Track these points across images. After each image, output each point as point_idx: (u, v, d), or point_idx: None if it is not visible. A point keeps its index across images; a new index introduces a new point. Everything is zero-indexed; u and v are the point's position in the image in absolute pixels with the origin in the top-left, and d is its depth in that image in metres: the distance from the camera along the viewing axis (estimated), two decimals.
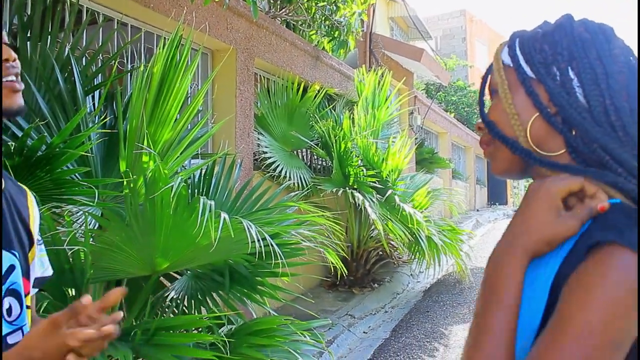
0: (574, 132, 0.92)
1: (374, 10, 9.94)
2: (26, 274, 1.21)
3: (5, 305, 1.13)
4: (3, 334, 1.12)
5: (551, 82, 0.93)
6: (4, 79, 1.09)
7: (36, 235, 1.30)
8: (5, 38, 1.14)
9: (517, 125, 0.96)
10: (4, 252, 1.13)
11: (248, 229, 2.26)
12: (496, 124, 0.99)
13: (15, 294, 1.16)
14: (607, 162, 0.88)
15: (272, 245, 2.39)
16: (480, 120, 1.05)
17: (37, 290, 1.32)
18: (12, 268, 1.15)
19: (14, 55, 1.12)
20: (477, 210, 20.96)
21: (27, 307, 1.19)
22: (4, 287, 1.13)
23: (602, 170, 0.90)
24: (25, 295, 1.19)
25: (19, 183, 1.31)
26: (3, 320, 1.12)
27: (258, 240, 2.37)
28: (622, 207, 0.86)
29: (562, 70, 0.93)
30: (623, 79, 0.91)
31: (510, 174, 1.02)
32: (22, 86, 1.13)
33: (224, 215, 2.26)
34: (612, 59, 0.92)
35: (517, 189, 41.92)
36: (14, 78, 1.11)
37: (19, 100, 1.12)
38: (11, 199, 1.21)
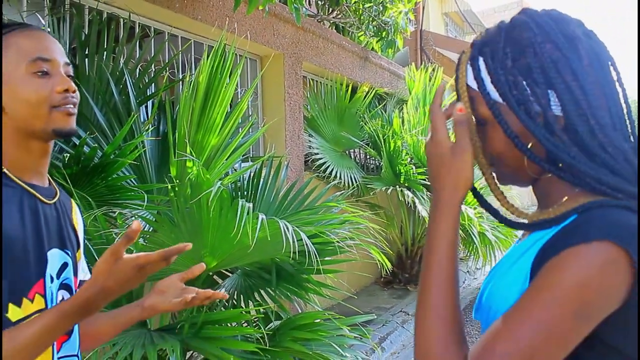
0: (560, 165, 0.96)
1: (423, 8, 9.93)
2: (75, 271, 1.38)
3: (59, 298, 1.30)
4: None
5: (531, 124, 0.95)
6: (61, 108, 1.26)
7: (81, 237, 1.48)
8: (70, 70, 1.31)
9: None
10: (59, 251, 1.31)
11: (284, 229, 2.39)
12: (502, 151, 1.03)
13: (68, 288, 1.34)
14: (605, 191, 0.91)
15: (308, 245, 2.50)
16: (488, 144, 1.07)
17: None
18: (65, 265, 1.33)
19: (74, 87, 1.29)
20: None
21: None
22: (58, 282, 1.30)
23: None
24: (74, 290, 1.37)
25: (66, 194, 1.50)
26: None
27: (300, 240, 2.50)
28: (607, 212, 0.90)
29: (544, 106, 0.95)
30: (599, 87, 0.95)
31: (520, 184, 1.07)
32: (76, 111, 1.29)
33: (262, 216, 2.40)
34: (584, 70, 0.94)
35: None
36: (71, 106, 1.28)
37: (72, 123, 1.28)
38: (63, 205, 1.38)
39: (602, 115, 0.93)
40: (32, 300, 1.20)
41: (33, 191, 1.26)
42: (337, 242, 2.92)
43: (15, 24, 1.30)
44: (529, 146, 0.97)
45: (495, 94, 0.98)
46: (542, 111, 0.94)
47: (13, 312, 1.17)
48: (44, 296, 1.23)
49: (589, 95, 0.93)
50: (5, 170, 1.23)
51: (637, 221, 0.87)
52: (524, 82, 0.95)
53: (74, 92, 1.28)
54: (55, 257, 1.29)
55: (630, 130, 0.96)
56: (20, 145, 1.26)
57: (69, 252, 1.35)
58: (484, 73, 0.99)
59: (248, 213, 2.37)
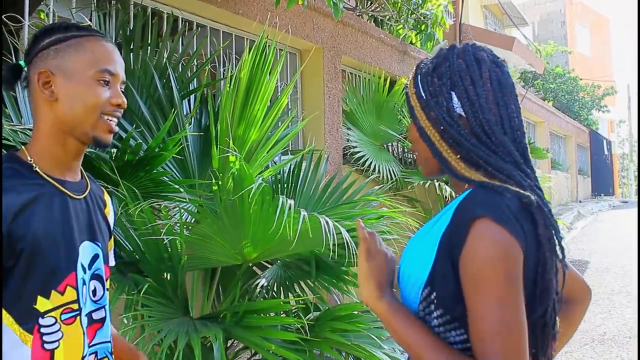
0: (458, 144, 1.22)
1: (463, 1, 9.84)
2: (106, 260, 1.47)
3: (92, 288, 1.39)
4: (89, 311, 1.38)
5: (438, 110, 1.24)
6: (108, 119, 1.36)
7: (112, 229, 1.58)
8: (123, 87, 1.41)
9: (432, 135, 1.26)
10: (90, 243, 1.40)
11: (325, 225, 2.43)
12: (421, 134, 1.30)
13: (99, 278, 1.43)
14: (481, 163, 1.19)
15: (346, 239, 2.53)
16: (408, 134, 1.39)
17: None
18: (96, 257, 1.42)
19: (126, 104, 1.39)
20: (580, 202, 20.16)
21: (107, 289, 1.46)
22: (91, 272, 1.39)
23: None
24: (106, 280, 1.46)
25: (97, 183, 1.59)
26: (90, 300, 1.38)
27: (339, 233, 2.53)
28: (483, 190, 1.16)
29: (447, 99, 1.24)
30: (492, 95, 1.23)
31: (434, 175, 1.34)
32: (116, 129, 1.40)
33: (303, 212, 2.43)
34: (482, 81, 1.23)
35: (626, 178, 39.78)
36: (115, 122, 1.39)
37: (110, 138, 1.39)
38: (94, 196, 1.47)
39: (490, 118, 1.21)
40: (62, 293, 1.29)
41: (63, 188, 1.34)
42: (385, 233, 2.94)
43: (95, 32, 1.41)
44: (437, 131, 1.25)
45: (422, 91, 1.28)
46: (446, 105, 1.23)
47: (41, 304, 1.25)
48: (76, 288, 1.32)
49: (481, 99, 1.22)
50: (35, 167, 1.31)
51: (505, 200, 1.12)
52: (437, 83, 1.26)
53: (123, 108, 1.39)
54: (86, 249, 1.38)
55: (520, 139, 1.23)
56: (58, 141, 1.34)
57: (100, 244, 1.43)
58: (418, 77, 1.31)
59: (289, 209, 2.41)
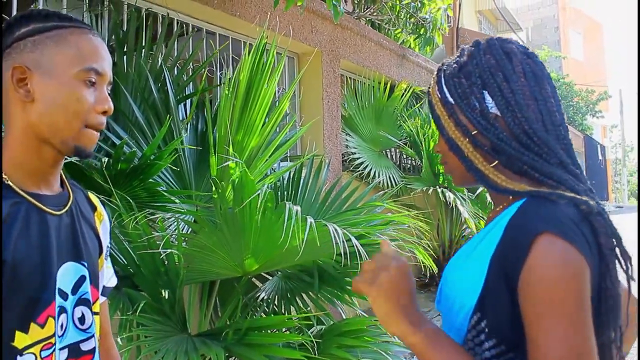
0: (498, 151, 1.10)
1: (460, 5, 9.76)
2: (94, 282, 1.25)
3: (78, 314, 1.19)
4: (73, 342, 1.18)
5: (471, 113, 1.12)
6: (94, 130, 1.17)
7: (105, 242, 1.35)
8: (110, 88, 1.22)
9: (464, 146, 1.14)
10: (74, 264, 1.19)
11: (334, 232, 2.29)
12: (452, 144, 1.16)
13: (86, 303, 1.22)
14: (525, 170, 1.07)
15: (357, 247, 2.39)
16: (435, 145, 1.25)
17: (104, 298, 1.38)
18: (82, 279, 1.21)
19: (112, 109, 1.19)
20: None
21: (95, 313, 1.25)
22: (76, 297, 1.19)
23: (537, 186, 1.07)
24: (93, 303, 1.24)
25: (90, 193, 1.38)
26: (76, 329, 1.19)
27: (344, 242, 2.39)
28: (536, 202, 1.02)
29: (479, 99, 1.12)
30: (528, 90, 1.11)
31: (468, 184, 1.21)
32: (97, 137, 1.20)
33: (310, 220, 2.29)
34: (515, 75, 1.11)
35: (619, 183, 39.87)
36: (99, 132, 1.19)
37: (93, 146, 1.19)
38: (79, 209, 1.26)
39: (529, 115, 1.09)
40: (42, 325, 1.10)
41: (40, 205, 1.13)
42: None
43: (81, 23, 1.21)
44: (469, 139, 1.12)
45: (448, 96, 1.16)
46: (479, 106, 1.11)
47: (19, 339, 1.06)
48: (55, 318, 1.12)
49: (517, 95, 1.09)
50: (7, 180, 1.10)
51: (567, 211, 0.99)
52: (466, 83, 1.14)
53: (109, 115, 1.19)
54: (69, 272, 1.18)
55: (563, 135, 1.11)
56: (31, 148, 1.14)
57: (86, 263, 1.22)
58: (442, 81, 1.19)
59: (295, 216, 2.27)
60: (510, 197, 1.09)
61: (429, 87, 1.23)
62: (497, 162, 1.10)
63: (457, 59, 1.19)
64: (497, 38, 1.19)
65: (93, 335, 1.24)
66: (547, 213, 0.98)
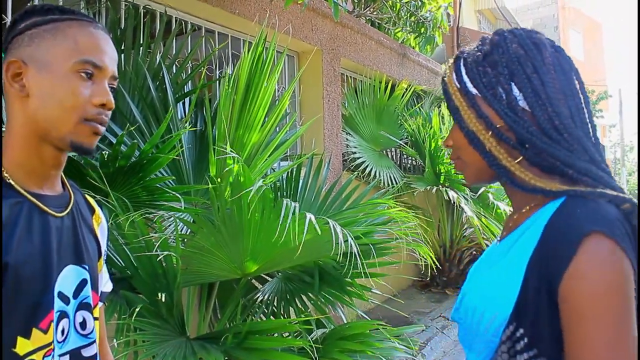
0: (527, 145, 1.03)
1: (460, 4, 9.71)
2: (95, 286, 1.22)
3: (79, 319, 1.15)
4: (78, 346, 1.15)
5: (497, 104, 1.04)
6: (92, 124, 1.11)
7: (104, 246, 1.31)
8: (115, 83, 1.17)
9: (486, 140, 1.06)
10: (75, 268, 1.15)
11: (334, 228, 2.23)
12: (471, 137, 1.09)
13: (87, 307, 1.18)
14: (558, 166, 1.00)
15: (358, 246, 2.34)
16: (446, 139, 1.16)
17: (102, 303, 1.33)
18: (84, 282, 1.17)
19: (113, 104, 1.14)
20: None
21: (96, 319, 1.21)
22: (77, 301, 1.15)
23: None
24: (94, 308, 1.21)
25: (87, 196, 1.33)
26: (78, 334, 1.15)
27: (346, 241, 2.34)
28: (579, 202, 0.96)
29: (507, 90, 1.04)
30: (558, 83, 1.04)
31: (482, 182, 1.15)
32: (103, 131, 1.14)
33: (309, 216, 2.24)
34: (546, 67, 1.04)
35: (618, 183, 39.87)
36: (100, 125, 1.13)
37: (94, 143, 1.14)
38: (79, 211, 1.22)
39: (560, 110, 1.02)
40: (45, 331, 1.06)
41: (43, 206, 1.09)
42: (391, 240, 2.76)
43: (82, 15, 1.16)
44: (493, 133, 1.05)
45: (470, 85, 1.08)
46: (506, 98, 1.04)
47: (21, 346, 1.02)
48: (54, 323, 1.08)
49: (548, 87, 1.02)
50: (9, 179, 1.07)
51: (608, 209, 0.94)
52: (492, 73, 1.06)
53: (110, 109, 1.13)
54: (71, 275, 1.14)
55: (592, 133, 1.04)
56: (31, 147, 1.10)
57: (87, 267, 1.19)
58: (462, 70, 1.11)
59: (294, 213, 2.21)
60: (541, 196, 1.02)
61: (444, 76, 1.15)
62: (521, 157, 1.03)
63: (480, 46, 1.11)
64: (522, 28, 1.12)
65: (94, 341, 1.20)
66: (593, 212, 0.93)
